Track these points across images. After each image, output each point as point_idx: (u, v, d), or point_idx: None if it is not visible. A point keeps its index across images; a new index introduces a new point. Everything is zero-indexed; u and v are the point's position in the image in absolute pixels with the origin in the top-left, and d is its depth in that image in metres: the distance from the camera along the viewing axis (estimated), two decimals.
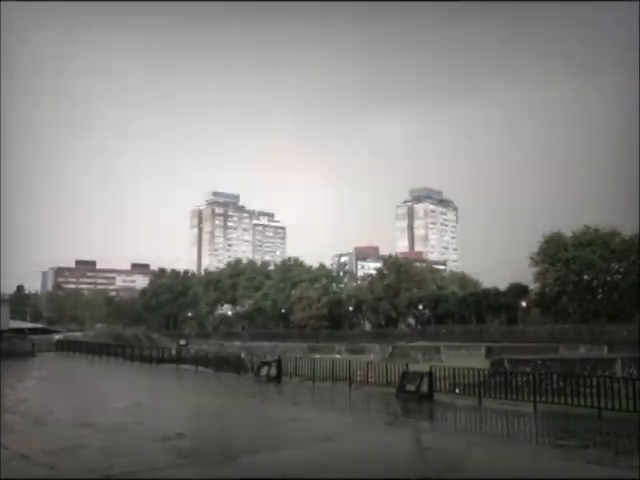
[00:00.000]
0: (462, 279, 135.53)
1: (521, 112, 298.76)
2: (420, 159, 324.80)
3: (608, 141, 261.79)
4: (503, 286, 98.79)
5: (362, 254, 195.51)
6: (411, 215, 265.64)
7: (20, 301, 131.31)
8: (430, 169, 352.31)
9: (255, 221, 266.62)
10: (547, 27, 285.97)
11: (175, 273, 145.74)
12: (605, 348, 61.28)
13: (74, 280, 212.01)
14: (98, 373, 34.26)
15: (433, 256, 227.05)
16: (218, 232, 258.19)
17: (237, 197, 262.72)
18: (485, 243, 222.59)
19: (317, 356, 39.20)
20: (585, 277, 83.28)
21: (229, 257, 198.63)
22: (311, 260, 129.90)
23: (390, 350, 70.29)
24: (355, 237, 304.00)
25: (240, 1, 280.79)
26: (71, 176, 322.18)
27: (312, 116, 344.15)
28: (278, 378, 26.49)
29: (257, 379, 27.22)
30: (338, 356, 53.36)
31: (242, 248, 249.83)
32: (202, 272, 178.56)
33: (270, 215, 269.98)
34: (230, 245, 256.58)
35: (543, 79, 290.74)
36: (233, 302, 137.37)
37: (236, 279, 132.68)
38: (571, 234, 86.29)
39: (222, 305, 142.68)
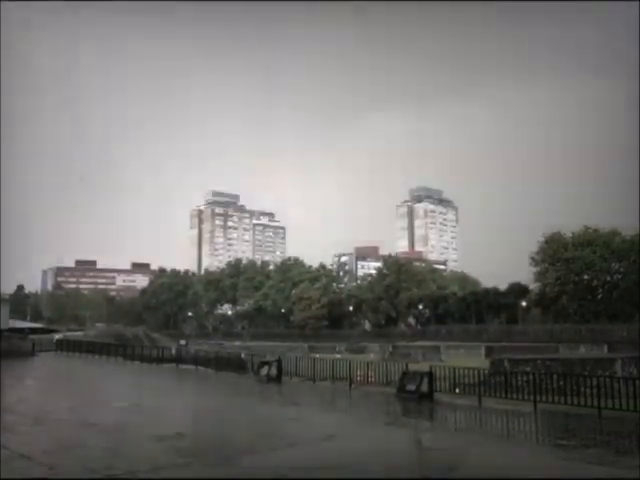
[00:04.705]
0: (462, 279, 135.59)
1: (521, 112, 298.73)
2: (420, 159, 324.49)
3: (608, 141, 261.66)
4: (503, 286, 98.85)
5: (362, 254, 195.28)
6: (411, 215, 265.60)
7: (20, 301, 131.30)
8: (430, 169, 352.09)
9: (255, 221, 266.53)
10: (547, 27, 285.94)
11: (175, 273, 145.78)
12: (605, 348, 61.30)
13: (74, 280, 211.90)
14: (98, 373, 34.26)
15: (433, 256, 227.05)
16: (218, 232, 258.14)
17: (237, 197, 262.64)
18: (485, 243, 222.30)
19: (317, 356, 39.21)
20: (585, 277, 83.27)
21: (229, 257, 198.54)
22: (311, 260, 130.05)
23: (390, 350, 70.28)
24: (355, 237, 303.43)
25: (240, 1, 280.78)
26: (71, 176, 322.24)
27: (312, 116, 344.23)
28: (278, 378, 26.48)
29: (257, 379, 27.22)
30: (338, 356, 53.33)
31: (242, 248, 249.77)
32: (202, 272, 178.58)
33: (270, 215, 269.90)
34: (230, 245, 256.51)
35: (543, 79, 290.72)
36: (233, 302, 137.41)
37: (236, 279, 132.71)
38: (571, 234, 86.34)
39: (222, 305, 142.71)
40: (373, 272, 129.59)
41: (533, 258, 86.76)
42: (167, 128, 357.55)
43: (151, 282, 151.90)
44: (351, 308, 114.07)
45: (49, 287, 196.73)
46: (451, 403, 20.32)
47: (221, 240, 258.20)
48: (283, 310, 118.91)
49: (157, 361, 36.85)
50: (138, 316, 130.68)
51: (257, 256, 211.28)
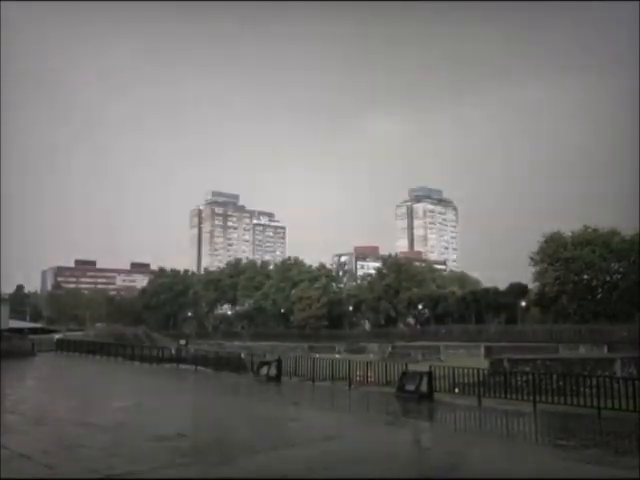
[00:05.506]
0: (462, 279, 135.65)
1: (521, 112, 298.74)
2: (420, 159, 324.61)
3: (608, 141, 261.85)
4: (503, 286, 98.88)
5: (362, 254, 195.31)
6: (411, 215, 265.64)
7: (20, 301, 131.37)
8: (430, 169, 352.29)
9: (255, 221, 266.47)
10: (547, 27, 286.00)
11: (175, 272, 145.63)
12: (605, 348, 61.22)
13: (74, 280, 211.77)
14: (98, 373, 34.26)
15: (433, 256, 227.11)
16: (218, 232, 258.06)
17: (237, 197, 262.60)
18: (485, 243, 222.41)
19: (317, 356, 39.24)
20: (585, 277, 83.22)
21: (229, 257, 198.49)
22: (311, 260, 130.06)
23: (390, 350, 70.31)
24: (355, 237, 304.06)
25: (241, 0, 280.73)
26: (71, 176, 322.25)
27: (312, 115, 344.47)
28: (278, 378, 26.50)
29: (257, 379, 27.24)
30: (338, 356, 53.36)
31: (242, 248, 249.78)
32: (202, 272, 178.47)
33: (270, 215, 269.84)
34: (230, 245, 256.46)
35: (543, 79, 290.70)
36: (233, 302, 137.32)
37: (236, 279, 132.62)
38: (570, 234, 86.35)
39: (222, 305, 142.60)
40: (373, 272, 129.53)
41: (532, 258, 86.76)
42: (167, 128, 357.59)
43: (151, 282, 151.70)
44: (351, 308, 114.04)
45: (49, 287, 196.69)
46: (451, 403, 20.33)
47: (221, 240, 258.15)
48: (283, 310, 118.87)
49: (157, 361, 36.86)
50: (138, 316, 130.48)
51: (257, 256, 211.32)
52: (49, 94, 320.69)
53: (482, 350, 64.20)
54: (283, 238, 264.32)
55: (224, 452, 12.28)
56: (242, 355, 35.04)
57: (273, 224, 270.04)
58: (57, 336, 59.70)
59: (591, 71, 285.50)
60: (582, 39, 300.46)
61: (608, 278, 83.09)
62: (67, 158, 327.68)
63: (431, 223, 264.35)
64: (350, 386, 24.06)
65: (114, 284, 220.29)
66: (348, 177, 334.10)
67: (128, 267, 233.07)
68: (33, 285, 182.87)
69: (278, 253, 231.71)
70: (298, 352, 63.51)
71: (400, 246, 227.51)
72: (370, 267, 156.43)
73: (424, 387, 20.62)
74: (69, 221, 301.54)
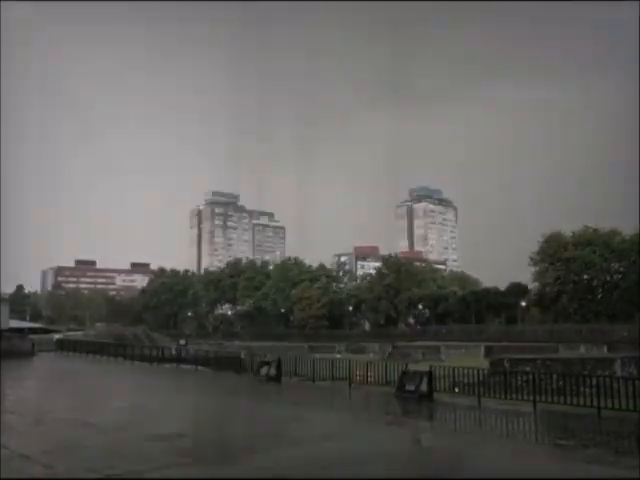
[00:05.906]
0: (462, 279, 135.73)
1: (521, 112, 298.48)
2: (420, 159, 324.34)
3: (608, 141, 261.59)
4: (503, 286, 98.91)
5: (362, 254, 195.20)
6: (411, 215, 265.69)
7: (20, 300, 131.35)
8: (430, 169, 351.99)
9: (255, 221, 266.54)
10: (547, 27, 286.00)
11: (175, 272, 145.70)
12: (605, 348, 61.31)
13: (74, 280, 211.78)
14: (98, 373, 34.26)
15: (433, 256, 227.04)
16: (218, 232, 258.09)
17: (237, 197, 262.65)
18: (485, 243, 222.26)
19: (317, 356, 39.19)
20: (585, 277, 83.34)
21: (229, 257, 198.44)
22: (311, 260, 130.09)
23: (390, 350, 70.34)
24: (355, 237, 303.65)
25: (239, 1, 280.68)
26: (71, 176, 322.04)
27: (312, 115, 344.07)
28: (278, 378, 26.47)
29: (257, 379, 27.22)
30: (338, 356, 53.35)
31: (242, 248, 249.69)
32: (202, 272, 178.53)
33: (270, 215, 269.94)
34: (230, 245, 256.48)
35: (543, 79, 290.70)
36: (233, 302, 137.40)
37: (236, 279, 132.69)
38: (571, 234, 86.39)
39: (222, 305, 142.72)
40: (373, 272, 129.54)
41: (533, 258, 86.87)
42: (168, 127, 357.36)
43: (151, 282, 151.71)
44: (351, 308, 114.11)
45: (49, 287, 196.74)
46: (451, 403, 20.31)
47: (221, 240, 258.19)
48: (283, 310, 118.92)
49: (157, 361, 36.87)
50: (138, 316, 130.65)
51: (257, 256, 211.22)
52: (49, 94, 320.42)
53: (482, 350, 64.27)
54: (283, 238, 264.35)
55: (224, 452, 12.29)
56: (242, 355, 35.02)
57: (273, 224, 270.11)
58: (57, 336, 59.75)
59: (591, 71, 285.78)
60: (582, 39, 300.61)
61: (608, 278, 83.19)
62: (67, 158, 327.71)
63: (431, 223, 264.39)
64: (350, 386, 24.04)
65: (114, 284, 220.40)
66: (348, 177, 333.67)
67: (128, 267, 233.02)
68: (33, 285, 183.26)
69: (278, 253, 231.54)
70: (298, 352, 63.51)
71: (400, 246, 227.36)
72: (370, 267, 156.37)
73: (424, 387, 20.58)
74: (69, 221, 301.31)
